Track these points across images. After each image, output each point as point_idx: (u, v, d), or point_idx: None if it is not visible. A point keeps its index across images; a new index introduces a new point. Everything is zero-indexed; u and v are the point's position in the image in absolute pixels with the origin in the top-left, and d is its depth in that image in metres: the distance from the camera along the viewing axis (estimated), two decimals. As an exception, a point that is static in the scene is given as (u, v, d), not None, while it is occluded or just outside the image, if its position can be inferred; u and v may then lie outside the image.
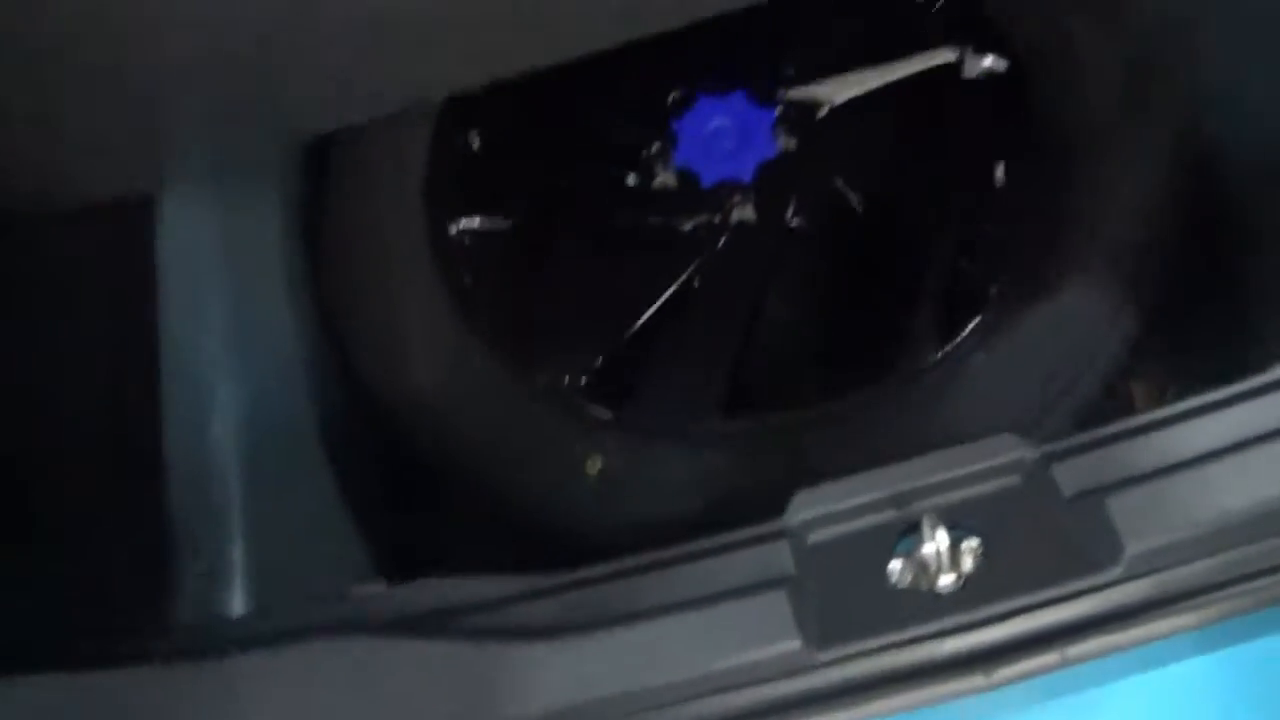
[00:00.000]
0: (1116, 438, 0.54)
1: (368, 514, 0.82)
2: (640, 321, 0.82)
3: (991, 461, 0.53)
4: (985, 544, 0.52)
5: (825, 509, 0.54)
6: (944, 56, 0.87)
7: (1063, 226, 0.79)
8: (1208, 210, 0.82)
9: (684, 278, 0.84)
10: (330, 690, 0.51)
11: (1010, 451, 0.53)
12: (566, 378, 0.81)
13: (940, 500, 0.53)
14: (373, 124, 0.90)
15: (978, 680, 0.50)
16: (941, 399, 0.76)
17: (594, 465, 0.74)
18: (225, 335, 0.85)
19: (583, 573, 0.55)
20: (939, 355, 0.77)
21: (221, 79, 0.71)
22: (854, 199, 0.86)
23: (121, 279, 0.80)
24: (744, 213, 0.85)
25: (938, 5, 0.90)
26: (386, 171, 0.88)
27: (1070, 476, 0.52)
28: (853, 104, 0.88)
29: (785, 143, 0.87)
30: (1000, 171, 0.86)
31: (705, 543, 0.55)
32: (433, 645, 0.51)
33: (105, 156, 0.77)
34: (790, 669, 0.50)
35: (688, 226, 0.86)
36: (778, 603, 0.51)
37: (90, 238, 0.78)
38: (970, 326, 0.78)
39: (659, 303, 0.83)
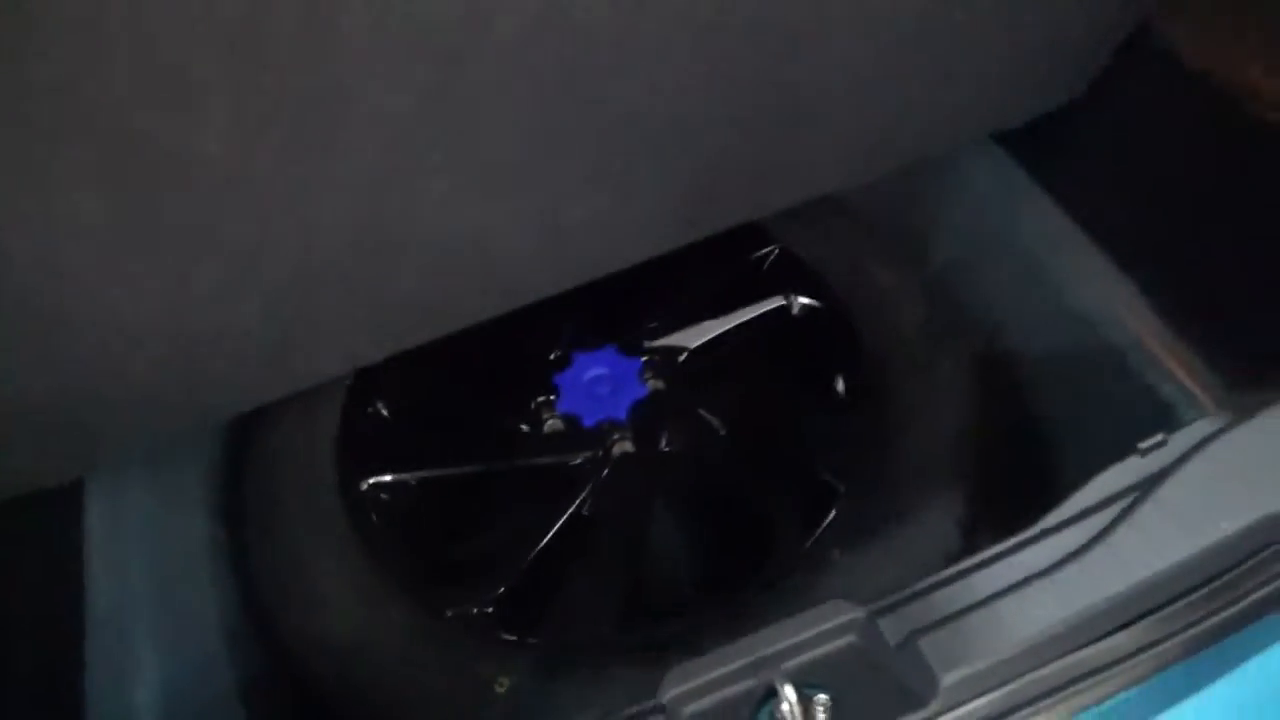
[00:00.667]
0: (929, 588, 0.64)
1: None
2: (538, 550, 0.91)
3: (829, 624, 0.62)
4: (833, 696, 0.60)
5: (693, 683, 0.62)
6: (775, 302, 1.05)
7: (892, 433, 0.93)
8: (1010, 407, 0.98)
9: (575, 507, 0.94)
10: None
11: (844, 614, 0.62)
12: (474, 609, 0.88)
13: (791, 664, 0.61)
14: (286, 399, 1.02)
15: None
16: (810, 590, 0.85)
17: (502, 685, 0.80)
18: (149, 603, 0.91)
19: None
20: (802, 551, 0.87)
21: (155, 372, 0.80)
22: (716, 424, 0.99)
23: (50, 553, 0.86)
24: (624, 445, 0.97)
25: (768, 262, 1.08)
26: (300, 441, 0.98)
27: (894, 627, 0.61)
28: (706, 346, 1.04)
29: (653, 384, 1.01)
30: (838, 387, 1.00)
31: (594, 725, 0.62)
32: None
33: (36, 448, 0.84)
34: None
35: (576, 461, 0.97)
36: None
37: (19, 516, 0.85)
38: (825, 524, 0.89)
39: (553, 531, 0.92)
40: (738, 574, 0.89)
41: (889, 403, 0.95)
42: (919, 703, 0.58)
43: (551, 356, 1.04)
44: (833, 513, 0.90)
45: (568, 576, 0.91)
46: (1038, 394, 0.96)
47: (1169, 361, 0.91)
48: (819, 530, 0.88)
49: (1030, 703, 0.58)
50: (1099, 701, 0.59)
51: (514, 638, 0.85)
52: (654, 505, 0.95)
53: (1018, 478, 0.92)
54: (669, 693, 0.62)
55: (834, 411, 0.98)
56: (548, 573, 0.91)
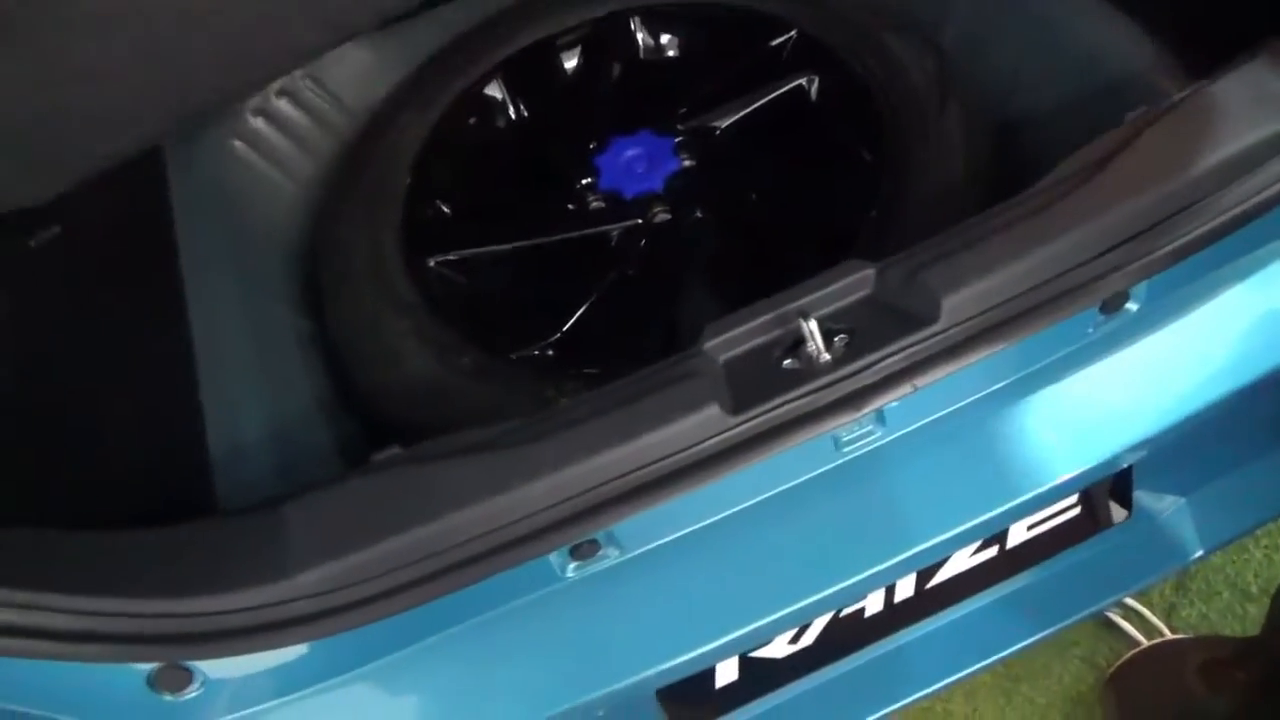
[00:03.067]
0: (936, 241, 0.72)
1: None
2: (589, 303, 1.01)
3: (846, 279, 0.71)
4: (850, 334, 0.69)
5: (728, 334, 0.71)
6: (794, 82, 1.12)
7: (906, 188, 1.00)
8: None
9: (620, 270, 1.04)
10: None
11: (859, 270, 0.71)
12: (534, 351, 0.99)
13: (812, 312, 0.70)
14: (350, 199, 1.13)
15: (852, 414, 0.66)
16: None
17: (558, 398, 0.90)
18: (249, 368, 1.02)
19: (554, 408, 0.71)
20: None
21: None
22: (744, 192, 1.08)
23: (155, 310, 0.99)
24: (661, 214, 1.06)
25: (787, 48, 1.15)
26: (367, 233, 1.09)
27: (903, 273, 0.70)
28: (733, 125, 1.12)
29: (686, 161, 1.10)
30: (859, 156, 1.07)
31: (639, 373, 0.71)
32: (464, 460, 0.66)
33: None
34: (712, 431, 0.65)
35: (619, 231, 1.06)
36: (698, 390, 0.67)
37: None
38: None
39: (603, 288, 1.02)
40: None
41: (904, 162, 1.02)
42: (923, 323, 0.67)
43: (591, 145, 1.13)
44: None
45: (615, 324, 1.00)
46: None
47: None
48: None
49: (1025, 315, 0.67)
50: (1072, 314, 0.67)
51: (572, 371, 0.95)
52: (690, 264, 1.04)
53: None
54: (707, 342, 0.71)
55: (854, 176, 1.05)
56: (599, 320, 1.01)
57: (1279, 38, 0.73)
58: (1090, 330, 0.70)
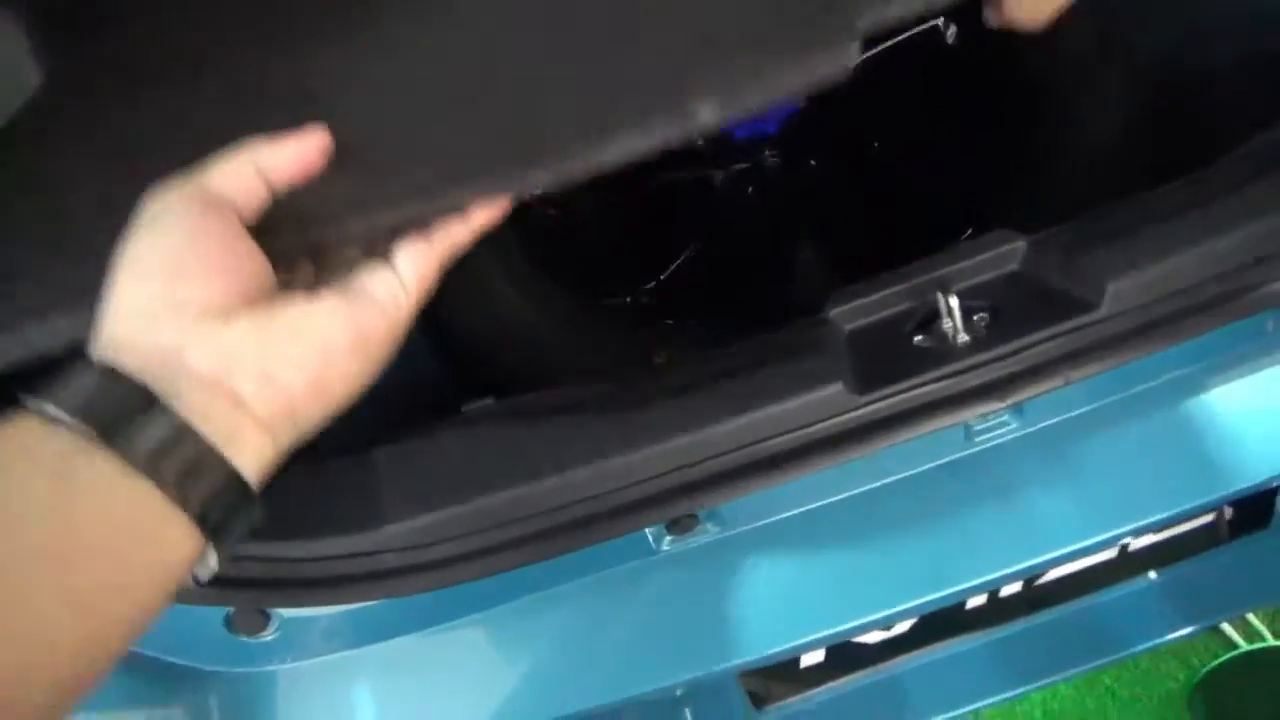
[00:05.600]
0: (1096, 217, 0.64)
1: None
2: (690, 251, 0.95)
3: (992, 253, 0.64)
4: (992, 313, 0.62)
5: (857, 302, 0.65)
6: (926, 25, 1.02)
7: (1049, 155, 0.91)
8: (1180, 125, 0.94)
9: (724, 218, 0.98)
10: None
11: (1008, 243, 0.64)
12: (630, 298, 0.94)
13: (952, 285, 0.64)
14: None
15: (993, 404, 0.59)
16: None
17: (661, 357, 0.86)
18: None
19: (661, 369, 0.66)
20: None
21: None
22: (866, 142, 1.00)
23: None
24: (772, 159, 0.99)
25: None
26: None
27: (1059, 250, 0.63)
28: (860, 66, 1.03)
29: (803, 104, 1.02)
30: (994, 111, 0.99)
31: (755, 338, 0.66)
32: (563, 420, 0.61)
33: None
34: (834, 411, 0.60)
35: (723, 175, 1.00)
36: (821, 364, 0.61)
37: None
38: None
39: (706, 235, 0.96)
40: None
41: (1056, 120, 0.93)
42: (1083, 308, 0.59)
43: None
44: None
45: (719, 275, 0.95)
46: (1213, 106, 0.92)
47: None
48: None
49: (1200, 309, 0.59)
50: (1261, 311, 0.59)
51: (671, 321, 0.90)
52: (802, 216, 0.97)
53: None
54: (832, 309, 0.65)
55: (996, 132, 0.97)
56: (700, 270, 0.95)
57: None
58: (1271, 327, 0.62)
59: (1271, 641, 1.22)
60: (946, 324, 0.62)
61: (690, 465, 0.60)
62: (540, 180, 0.44)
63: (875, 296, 0.65)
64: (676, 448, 0.60)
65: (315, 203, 0.44)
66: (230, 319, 0.38)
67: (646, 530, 0.63)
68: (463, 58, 0.52)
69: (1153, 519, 0.64)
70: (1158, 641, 0.86)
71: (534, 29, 0.52)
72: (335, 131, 0.46)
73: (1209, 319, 0.59)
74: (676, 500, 0.60)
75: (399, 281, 0.44)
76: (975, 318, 0.62)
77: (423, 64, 0.53)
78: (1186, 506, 0.64)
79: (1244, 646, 1.22)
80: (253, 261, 0.40)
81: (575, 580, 0.65)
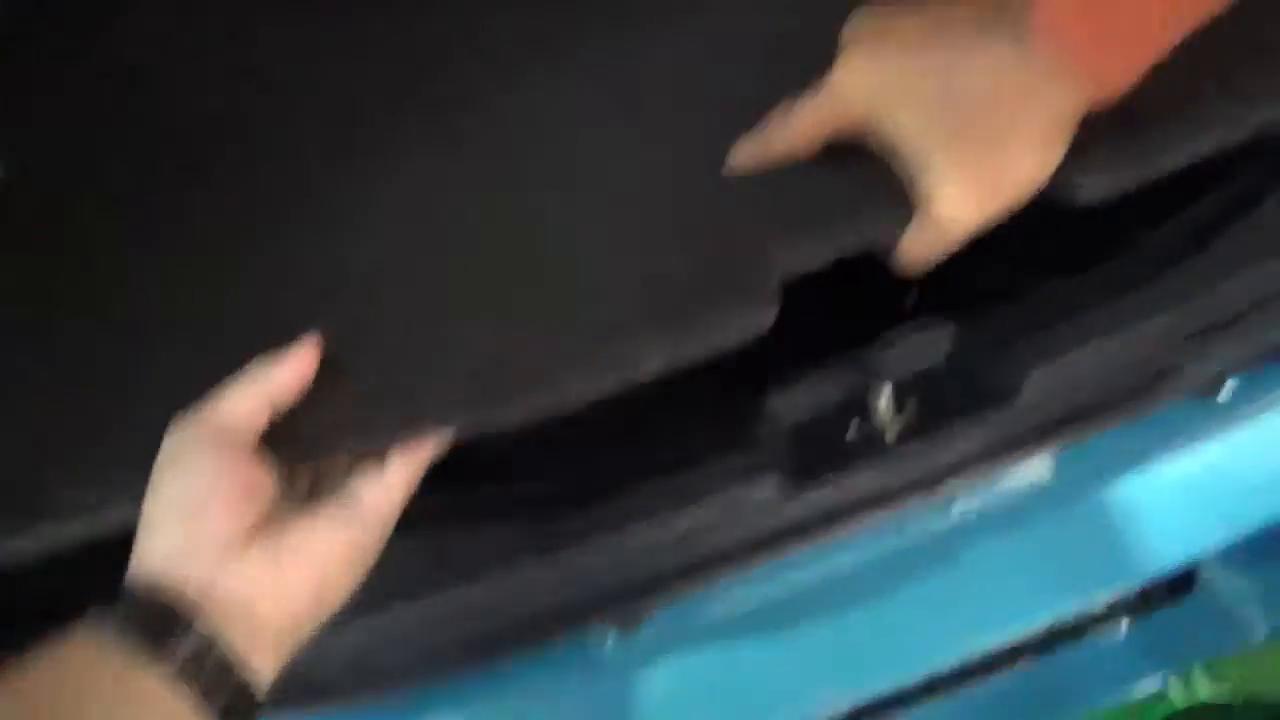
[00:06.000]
0: (1018, 305, 0.66)
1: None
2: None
3: (920, 340, 0.66)
4: (923, 401, 0.64)
5: (790, 395, 0.66)
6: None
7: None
8: None
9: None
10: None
11: (932, 330, 0.66)
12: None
13: (882, 373, 0.65)
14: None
15: (923, 499, 0.61)
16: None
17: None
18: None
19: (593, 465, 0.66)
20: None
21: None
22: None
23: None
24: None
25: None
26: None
27: (983, 339, 0.64)
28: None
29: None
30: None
31: (695, 432, 0.67)
32: (502, 524, 0.62)
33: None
34: (771, 505, 0.61)
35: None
36: (757, 457, 0.62)
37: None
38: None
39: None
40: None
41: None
42: (1006, 397, 0.61)
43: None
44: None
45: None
46: None
47: None
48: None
49: (1115, 400, 0.61)
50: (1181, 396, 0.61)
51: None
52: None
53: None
54: (768, 400, 0.66)
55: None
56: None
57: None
58: (1185, 417, 0.64)
59: (1209, 699, 1.24)
60: (881, 414, 0.63)
61: (630, 565, 0.60)
62: (509, 420, 0.50)
63: (809, 388, 0.66)
64: (614, 548, 0.60)
65: (315, 420, 0.49)
66: (246, 548, 0.45)
67: (592, 629, 0.63)
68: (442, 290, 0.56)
69: (1082, 598, 0.65)
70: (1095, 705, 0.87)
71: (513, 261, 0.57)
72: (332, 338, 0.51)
73: (1129, 407, 0.61)
74: (616, 603, 0.60)
75: (389, 486, 0.49)
76: (908, 406, 0.64)
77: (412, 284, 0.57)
78: (1108, 590, 0.65)
79: (1182, 705, 1.24)
80: (264, 487, 0.46)
81: (516, 683, 0.64)
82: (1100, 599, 0.65)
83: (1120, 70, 0.46)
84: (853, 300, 0.96)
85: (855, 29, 0.52)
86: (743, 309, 0.51)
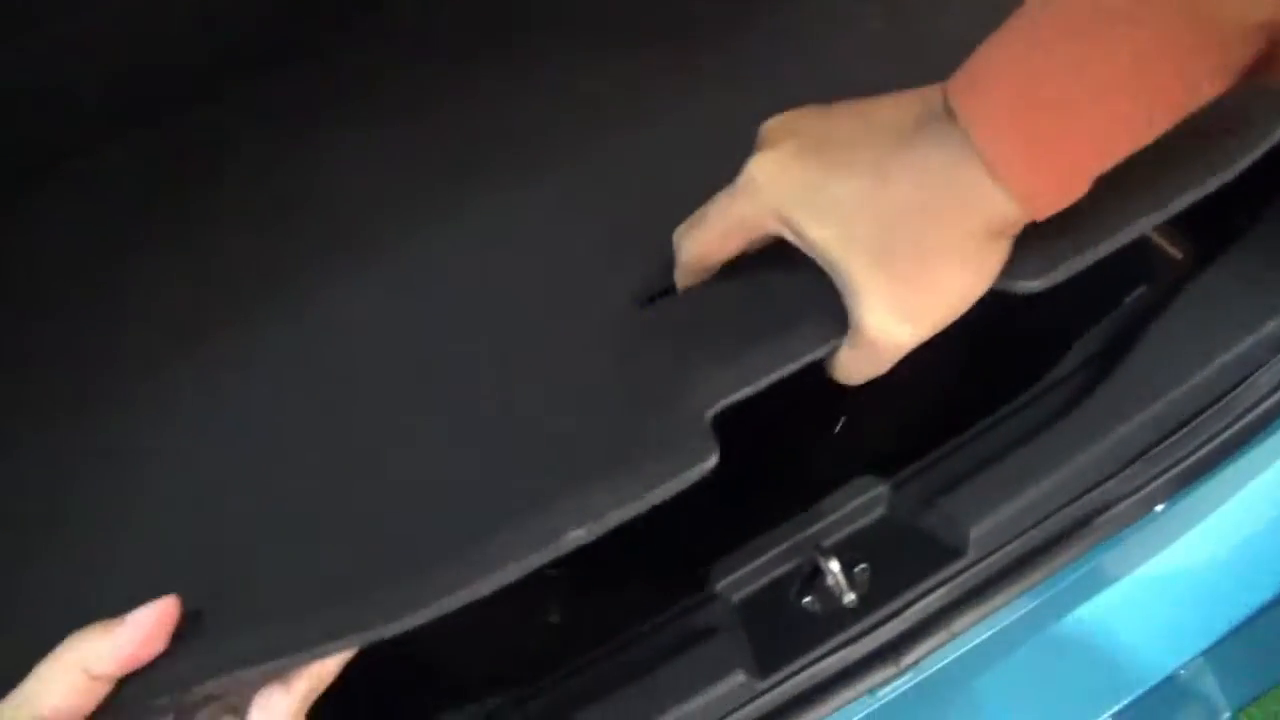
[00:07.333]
0: (946, 454, 0.67)
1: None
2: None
3: (857, 501, 0.66)
4: (871, 564, 0.64)
5: (741, 571, 0.65)
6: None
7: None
8: None
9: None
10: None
11: (870, 489, 0.66)
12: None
13: (828, 541, 0.65)
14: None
15: (890, 669, 0.60)
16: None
17: (554, 617, 0.84)
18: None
19: (550, 677, 0.64)
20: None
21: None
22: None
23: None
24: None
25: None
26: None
27: (918, 494, 0.65)
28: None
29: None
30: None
31: (648, 625, 0.65)
32: None
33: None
34: (740, 700, 0.59)
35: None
36: (718, 651, 0.61)
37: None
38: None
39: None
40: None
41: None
42: (951, 556, 0.62)
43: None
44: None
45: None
46: None
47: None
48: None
49: (1058, 540, 0.62)
50: (1113, 533, 0.63)
51: (553, 571, 0.88)
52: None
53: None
54: (719, 582, 0.65)
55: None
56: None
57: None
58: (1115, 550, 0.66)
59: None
60: (830, 582, 0.63)
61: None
62: (412, 624, 0.43)
63: (756, 563, 0.65)
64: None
65: (159, 673, 0.42)
66: None
67: None
68: (307, 481, 0.52)
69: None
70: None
71: (387, 446, 0.53)
72: (171, 569, 0.46)
73: (1077, 543, 0.62)
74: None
75: None
76: (856, 571, 0.64)
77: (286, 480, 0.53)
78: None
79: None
80: None
81: None
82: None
83: (1066, 187, 0.41)
84: (781, 426, 0.96)
85: (772, 126, 0.48)
86: (675, 453, 0.46)
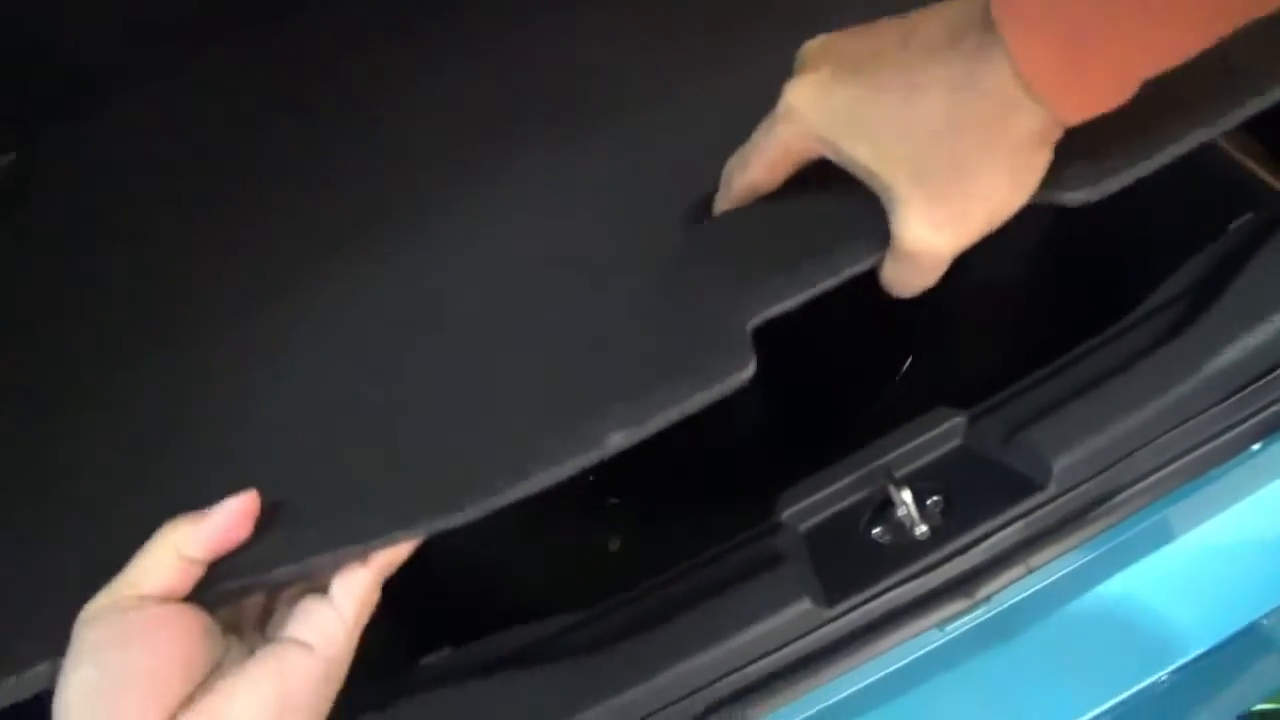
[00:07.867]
0: (1027, 387, 0.65)
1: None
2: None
3: (934, 432, 0.64)
4: (945, 497, 0.62)
5: (809, 499, 0.64)
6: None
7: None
8: None
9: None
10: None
11: (946, 420, 0.64)
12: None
13: (901, 471, 0.63)
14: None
15: (961, 603, 0.59)
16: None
17: (615, 545, 0.84)
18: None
19: (617, 598, 0.64)
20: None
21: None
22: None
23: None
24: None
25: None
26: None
27: (999, 426, 0.63)
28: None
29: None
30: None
31: (712, 551, 0.64)
32: (528, 674, 0.59)
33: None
34: (805, 628, 0.58)
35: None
36: (784, 578, 0.60)
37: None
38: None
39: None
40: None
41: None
42: (1031, 490, 0.59)
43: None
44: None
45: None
46: None
47: None
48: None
49: (1142, 478, 0.59)
50: (1203, 472, 0.60)
51: (616, 500, 0.88)
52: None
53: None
54: (786, 510, 0.64)
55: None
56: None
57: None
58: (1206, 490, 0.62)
59: None
60: (902, 513, 0.61)
61: (666, 706, 0.57)
62: (467, 518, 0.46)
63: (826, 492, 0.64)
64: (649, 691, 0.57)
65: (247, 557, 0.47)
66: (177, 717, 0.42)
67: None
68: (376, 392, 0.56)
69: (1145, 682, 0.63)
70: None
71: (449, 362, 0.56)
72: (259, 473, 0.49)
73: (1165, 481, 0.59)
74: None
75: (335, 614, 0.46)
76: (929, 503, 0.62)
77: (333, 402, 0.57)
78: (1174, 664, 0.64)
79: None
80: (191, 645, 0.43)
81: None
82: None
83: (1100, 93, 0.41)
84: (842, 374, 0.94)
85: (811, 48, 0.49)
86: (713, 362, 0.47)
